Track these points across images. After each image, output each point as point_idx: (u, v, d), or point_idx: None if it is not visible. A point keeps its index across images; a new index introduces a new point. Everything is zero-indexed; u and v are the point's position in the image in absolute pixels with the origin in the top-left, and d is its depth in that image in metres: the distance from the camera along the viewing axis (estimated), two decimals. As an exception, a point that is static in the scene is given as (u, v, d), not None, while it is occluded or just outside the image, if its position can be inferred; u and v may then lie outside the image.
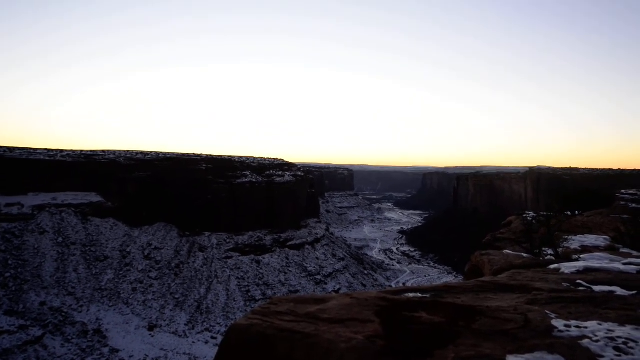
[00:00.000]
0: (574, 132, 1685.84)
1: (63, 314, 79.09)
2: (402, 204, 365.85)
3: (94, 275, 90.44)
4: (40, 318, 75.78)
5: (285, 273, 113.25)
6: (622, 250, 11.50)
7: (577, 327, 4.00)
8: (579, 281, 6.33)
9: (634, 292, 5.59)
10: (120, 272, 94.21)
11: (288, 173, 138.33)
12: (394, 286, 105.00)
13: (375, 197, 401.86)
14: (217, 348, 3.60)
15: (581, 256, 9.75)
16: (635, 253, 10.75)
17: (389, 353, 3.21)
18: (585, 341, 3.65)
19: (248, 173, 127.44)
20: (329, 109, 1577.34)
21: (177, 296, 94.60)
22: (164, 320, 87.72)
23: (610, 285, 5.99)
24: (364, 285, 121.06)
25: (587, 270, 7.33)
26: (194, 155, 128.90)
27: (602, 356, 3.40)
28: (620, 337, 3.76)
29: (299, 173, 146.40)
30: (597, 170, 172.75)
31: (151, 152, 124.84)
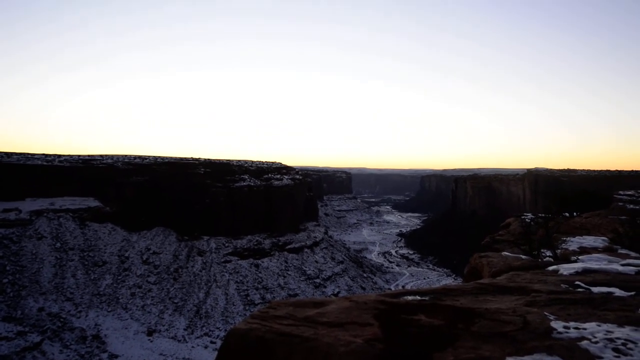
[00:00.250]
0: (572, 134, 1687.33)
1: (61, 319, 78.70)
2: (400, 207, 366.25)
3: (92, 281, 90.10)
4: (38, 324, 75.36)
5: (284, 277, 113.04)
6: (620, 251, 11.52)
7: (576, 328, 4.01)
8: (577, 282, 6.34)
9: (633, 293, 5.61)
10: (119, 277, 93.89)
11: (286, 177, 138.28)
12: (393, 289, 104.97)
13: (373, 199, 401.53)
14: (216, 353, 3.60)
15: (579, 257, 9.78)
16: (633, 254, 10.78)
17: (388, 356, 3.21)
18: (584, 342, 3.66)
19: (246, 177, 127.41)
20: (326, 112, 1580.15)
21: (176, 301, 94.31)
22: (163, 325, 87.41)
23: (609, 286, 6.00)
24: (363, 288, 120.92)
25: (586, 272, 7.35)
26: (192, 159, 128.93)
27: (601, 357, 3.41)
28: (619, 338, 3.77)
29: (297, 176, 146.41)
30: (594, 171, 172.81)
31: (149, 156, 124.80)
